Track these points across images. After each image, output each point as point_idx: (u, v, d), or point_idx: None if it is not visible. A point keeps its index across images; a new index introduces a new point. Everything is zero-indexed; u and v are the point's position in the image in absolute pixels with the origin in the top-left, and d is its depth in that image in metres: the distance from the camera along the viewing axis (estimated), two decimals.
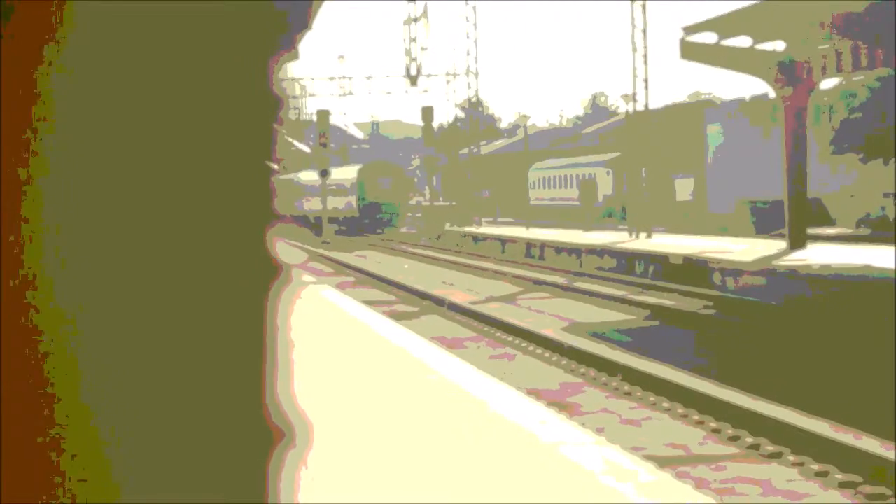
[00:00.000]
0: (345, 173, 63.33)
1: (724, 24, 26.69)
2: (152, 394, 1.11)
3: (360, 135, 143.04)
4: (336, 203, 60.36)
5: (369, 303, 20.96)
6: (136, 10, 1.08)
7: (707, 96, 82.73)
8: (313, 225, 59.95)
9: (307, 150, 72.08)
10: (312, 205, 63.03)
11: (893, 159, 40.00)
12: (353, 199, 62.47)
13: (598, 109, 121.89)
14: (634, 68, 37.98)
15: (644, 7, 37.49)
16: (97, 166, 1.08)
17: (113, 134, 1.08)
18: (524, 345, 17.62)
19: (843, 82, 41.26)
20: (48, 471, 1.09)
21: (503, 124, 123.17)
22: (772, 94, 30.89)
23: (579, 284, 27.36)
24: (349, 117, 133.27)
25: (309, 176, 64.75)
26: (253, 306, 1.16)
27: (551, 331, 18.53)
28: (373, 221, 61.26)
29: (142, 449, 1.11)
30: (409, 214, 73.72)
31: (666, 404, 12.50)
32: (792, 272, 22.03)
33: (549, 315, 21.90)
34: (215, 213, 1.13)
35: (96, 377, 1.10)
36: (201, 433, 1.14)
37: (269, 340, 1.17)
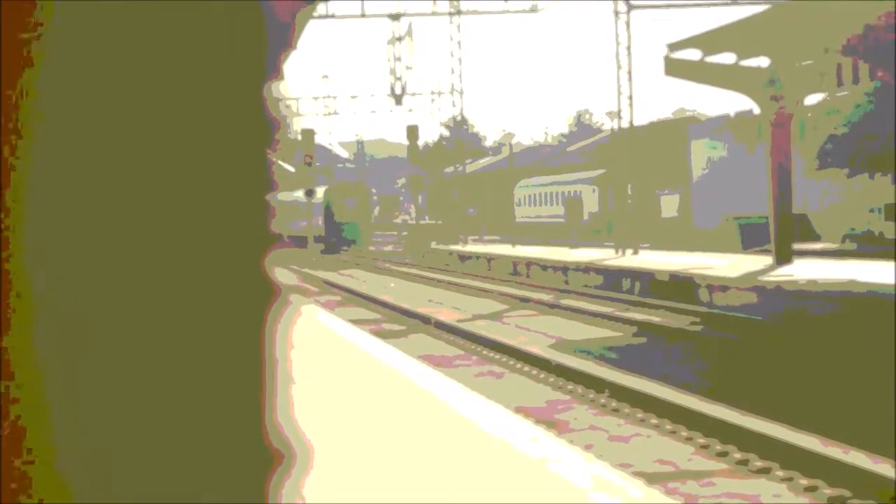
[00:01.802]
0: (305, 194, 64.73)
1: (709, 41, 26.80)
2: (147, 413, 1.10)
3: (345, 154, 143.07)
4: (304, 223, 62.25)
5: (356, 322, 20.94)
6: (131, 14, 1.07)
7: (692, 113, 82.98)
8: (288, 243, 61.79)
9: (292, 169, 72.67)
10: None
11: (879, 174, 40.14)
12: (319, 219, 63.77)
13: (583, 127, 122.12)
14: (619, 85, 38.09)
15: (628, 24, 37.64)
16: (87, 179, 1.07)
17: (107, 148, 1.07)
18: (511, 362, 17.61)
19: (828, 98, 41.43)
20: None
21: (488, 142, 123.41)
22: (756, 111, 31.01)
23: (566, 302, 27.37)
24: (334, 137, 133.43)
25: (286, 196, 66.34)
26: (251, 327, 1.15)
27: (538, 348, 18.53)
28: (338, 240, 62.26)
29: (135, 471, 1.10)
30: (395, 233, 73.77)
31: (654, 420, 12.50)
32: (778, 288, 22.08)
33: (536, 332, 21.89)
34: (212, 235, 1.12)
35: (88, 396, 1.08)
36: (199, 455, 1.13)
37: (268, 362, 1.16)
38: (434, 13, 50.80)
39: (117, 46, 1.07)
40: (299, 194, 59.63)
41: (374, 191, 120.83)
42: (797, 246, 28.85)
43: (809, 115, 41.99)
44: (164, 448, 1.11)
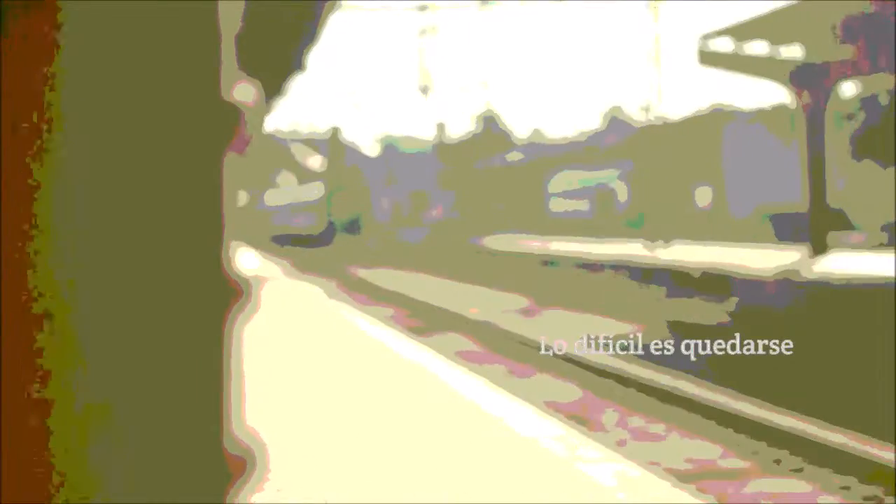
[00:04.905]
0: (312, 191, 65.81)
1: (742, 31, 26.60)
2: (104, 419, 1.07)
3: (371, 149, 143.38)
4: (308, 219, 63.55)
5: (385, 319, 20.87)
6: (86, 12, 1.06)
7: (725, 106, 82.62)
8: (293, 241, 63.51)
9: (318, 166, 73.56)
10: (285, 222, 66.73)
11: None
12: (320, 216, 65.32)
13: (614, 120, 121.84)
14: (651, 79, 37.89)
15: (658, 17, 37.44)
16: (40, 177, 1.06)
17: (63, 146, 1.06)
18: (541, 359, 17.49)
19: (863, 87, 41.08)
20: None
21: (518, 136, 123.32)
22: (790, 102, 30.75)
23: (596, 297, 27.24)
24: (361, 132, 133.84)
25: (284, 195, 68.72)
26: (209, 332, 1.12)
27: (568, 345, 18.39)
28: (342, 230, 63.58)
29: (92, 477, 1.06)
30: (424, 228, 74.09)
31: (685, 418, 12.34)
32: (813, 280, 21.83)
33: (566, 328, 21.77)
34: (168, 234, 1.10)
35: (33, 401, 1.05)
36: (154, 464, 1.09)
37: (226, 367, 1.13)
38: (462, 3, 50.71)
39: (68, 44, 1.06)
40: (311, 191, 60.97)
41: (401, 183, 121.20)
42: (833, 237, 28.55)
43: (844, 104, 41.67)
44: (117, 455, 1.08)
